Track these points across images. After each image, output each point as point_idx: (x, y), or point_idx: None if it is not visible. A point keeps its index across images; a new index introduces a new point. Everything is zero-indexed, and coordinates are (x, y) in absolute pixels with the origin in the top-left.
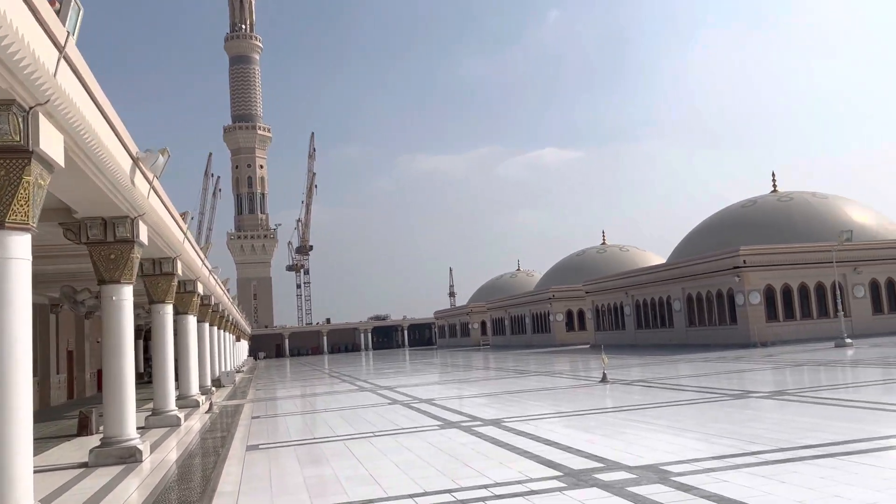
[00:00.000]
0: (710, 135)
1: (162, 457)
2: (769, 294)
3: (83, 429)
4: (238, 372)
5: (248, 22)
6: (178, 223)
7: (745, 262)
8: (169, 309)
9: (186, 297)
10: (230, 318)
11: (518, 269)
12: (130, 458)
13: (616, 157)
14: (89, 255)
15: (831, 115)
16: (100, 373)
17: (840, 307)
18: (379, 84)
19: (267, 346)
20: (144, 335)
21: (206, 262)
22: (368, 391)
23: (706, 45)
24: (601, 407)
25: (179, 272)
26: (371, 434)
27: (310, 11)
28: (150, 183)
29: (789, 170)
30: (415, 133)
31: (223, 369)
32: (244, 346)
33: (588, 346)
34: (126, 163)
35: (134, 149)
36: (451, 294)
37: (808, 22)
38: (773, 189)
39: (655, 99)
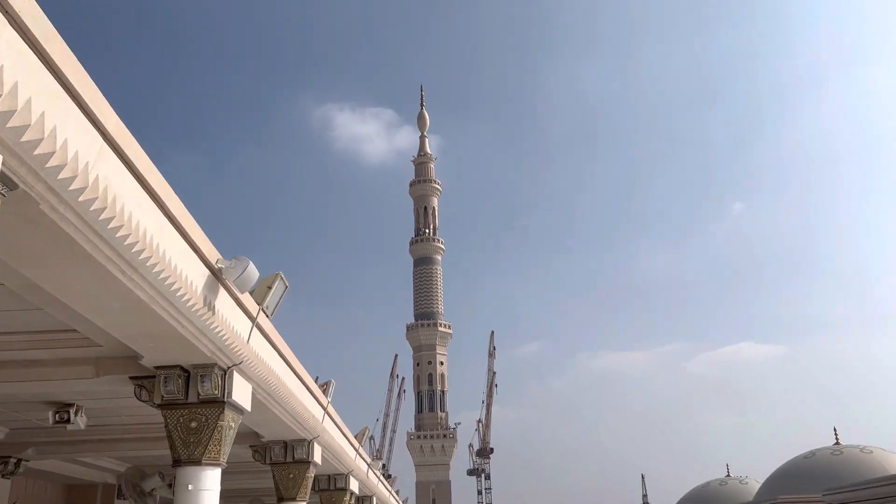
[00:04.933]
0: None
1: None
2: None
3: None
4: None
5: (431, 227)
6: (307, 385)
7: None
8: None
9: (335, 497)
10: None
11: (728, 475)
12: None
13: (829, 350)
14: (165, 422)
15: None
16: None
17: None
18: (557, 282)
19: None
20: None
21: (361, 452)
22: None
23: None
24: None
25: (317, 460)
26: None
27: (488, 213)
28: (252, 320)
29: None
30: (594, 330)
31: None
32: None
33: None
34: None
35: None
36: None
37: None
38: None
39: (864, 286)
